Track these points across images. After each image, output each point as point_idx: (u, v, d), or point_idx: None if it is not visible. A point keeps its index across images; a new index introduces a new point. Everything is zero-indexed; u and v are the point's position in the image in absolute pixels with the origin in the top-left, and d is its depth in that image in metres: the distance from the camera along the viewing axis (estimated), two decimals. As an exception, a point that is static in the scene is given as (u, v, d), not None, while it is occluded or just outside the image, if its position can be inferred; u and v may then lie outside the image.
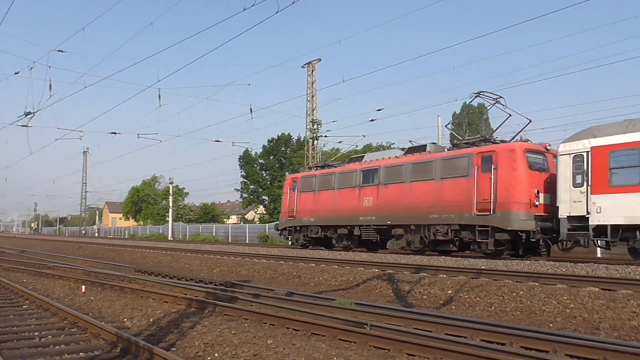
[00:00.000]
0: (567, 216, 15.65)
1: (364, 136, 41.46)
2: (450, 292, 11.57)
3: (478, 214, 17.81)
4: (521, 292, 10.54)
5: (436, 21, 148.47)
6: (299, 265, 17.03)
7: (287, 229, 27.50)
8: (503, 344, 6.68)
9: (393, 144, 51.42)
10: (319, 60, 39.85)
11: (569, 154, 15.90)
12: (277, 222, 30.74)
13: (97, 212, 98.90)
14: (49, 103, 51.10)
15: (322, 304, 9.81)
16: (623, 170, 14.70)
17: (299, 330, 7.77)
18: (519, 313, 9.78)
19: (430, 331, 7.46)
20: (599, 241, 15.46)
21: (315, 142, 39.67)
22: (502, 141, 19.02)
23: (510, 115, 19.90)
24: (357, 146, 39.74)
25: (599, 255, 20.68)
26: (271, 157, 66.29)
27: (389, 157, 22.52)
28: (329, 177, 24.94)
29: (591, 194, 15.09)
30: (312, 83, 39.51)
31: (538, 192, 16.99)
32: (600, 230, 14.89)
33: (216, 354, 6.57)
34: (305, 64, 39.73)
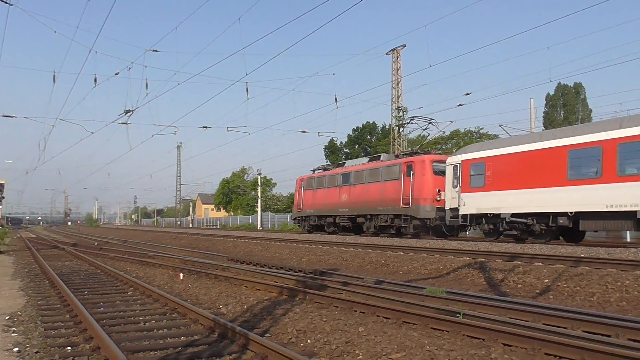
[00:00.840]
0: (450, 208, 21.98)
1: (452, 122, 40.32)
2: (547, 281, 11.07)
3: (403, 206, 24.61)
4: (627, 282, 9.89)
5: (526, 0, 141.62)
6: (387, 254, 16.95)
7: (297, 218, 35.58)
8: (608, 336, 6.30)
9: (482, 128, 49.84)
10: (404, 46, 39.18)
11: (451, 164, 22.22)
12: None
13: (191, 204, 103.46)
14: (145, 101, 54.06)
15: (412, 292, 9.70)
16: (476, 176, 20.83)
17: (389, 319, 7.74)
18: (625, 304, 9.18)
19: (527, 321, 7.18)
20: (468, 225, 21.76)
21: (401, 129, 39.18)
22: (422, 153, 25.95)
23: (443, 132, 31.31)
24: (444, 132, 38.90)
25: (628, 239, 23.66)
26: (356, 146, 66.34)
27: (359, 164, 29.58)
28: (323, 178, 32.20)
29: (461, 192, 21.38)
30: (397, 70, 38.96)
31: (439, 190, 23.25)
32: (465, 218, 21.25)
33: (309, 341, 6.68)
34: (389, 51, 39.22)
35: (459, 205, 21.25)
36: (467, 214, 21.00)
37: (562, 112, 60.59)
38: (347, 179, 29.37)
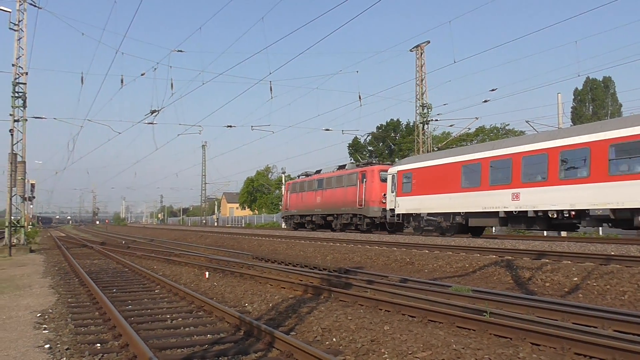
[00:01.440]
0: (389, 209, 27.12)
1: (477, 118, 39.96)
2: (575, 279, 10.88)
3: (358, 207, 30.15)
4: (659, 280, 9.66)
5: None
6: (412, 252, 16.85)
7: (285, 217, 41.58)
8: (640, 335, 6.16)
9: (508, 125, 49.21)
10: (428, 42, 38.76)
11: (391, 174, 27.34)
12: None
13: (216, 203, 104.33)
14: (171, 101, 54.72)
15: (437, 291, 9.64)
16: (406, 184, 25.92)
17: (415, 317, 7.70)
18: (657, 302, 8.97)
19: (556, 320, 7.06)
20: (405, 223, 26.55)
21: (426, 126, 38.88)
22: (373, 163, 32.08)
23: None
24: (469, 129, 38.54)
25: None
26: (380, 144, 66.07)
27: (330, 172, 34.84)
28: (304, 183, 37.62)
29: (396, 196, 26.46)
30: (421, 66, 38.63)
31: (384, 194, 28.09)
32: (399, 216, 26.41)
33: (334, 339, 6.67)
34: (413, 48, 38.87)
35: (395, 207, 26.54)
36: (400, 214, 26.31)
37: (591, 107, 59.49)
38: (321, 184, 34.93)
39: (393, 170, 27.08)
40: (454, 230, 23.53)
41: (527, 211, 19.22)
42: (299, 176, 40.25)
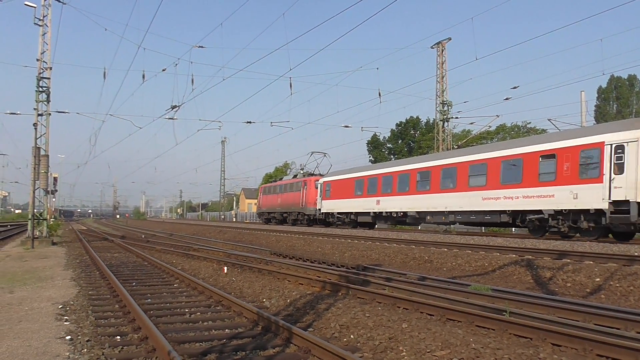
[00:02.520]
0: (318, 208, 36.80)
1: (498, 116, 39.35)
2: (598, 280, 10.72)
3: (301, 207, 39.50)
4: (684, 282, 9.47)
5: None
6: (430, 250, 16.76)
7: (259, 214, 51.59)
8: (664, 338, 6.04)
9: (529, 123, 48.61)
10: (449, 39, 38.41)
11: (319, 183, 36.99)
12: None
13: (235, 198, 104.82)
14: (191, 96, 55.13)
15: (456, 289, 9.56)
16: (327, 191, 35.79)
17: (433, 315, 7.65)
18: (682, 305, 8.80)
19: (577, 321, 6.96)
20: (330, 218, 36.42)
21: (446, 124, 38.59)
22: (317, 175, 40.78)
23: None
24: (490, 127, 38.12)
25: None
26: (399, 141, 65.73)
27: (287, 179, 44.76)
28: (271, 187, 48.01)
29: (322, 200, 36.31)
30: (442, 63, 38.31)
31: (317, 198, 37.18)
32: (323, 214, 36.32)
33: (352, 336, 6.66)
34: (434, 44, 38.53)
35: (320, 207, 36.65)
36: (323, 212, 36.40)
37: (615, 105, 58.47)
38: (281, 189, 44.51)
39: (321, 181, 37.18)
40: (353, 224, 33.60)
41: (382, 212, 29.72)
42: (267, 181, 51.60)
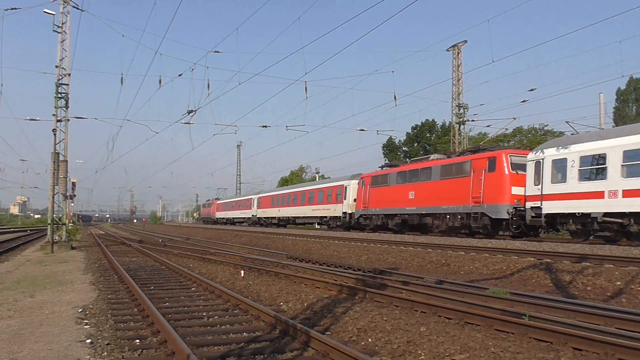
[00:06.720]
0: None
1: (515, 119, 39.10)
2: (619, 283, 10.57)
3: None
4: None
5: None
6: (447, 253, 16.65)
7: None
8: (688, 342, 5.93)
9: (546, 125, 48.08)
10: (465, 42, 38.19)
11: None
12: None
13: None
14: (207, 101, 55.42)
15: (474, 293, 9.49)
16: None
17: (451, 319, 7.60)
18: None
19: (598, 324, 6.87)
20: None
21: (462, 127, 38.37)
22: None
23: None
24: (506, 129, 37.80)
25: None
26: (415, 144, 65.49)
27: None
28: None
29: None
30: (458, 66, 38.10)
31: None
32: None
33: (369, 339, 6.64)
34: (450, 47, 38.33)
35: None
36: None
37: (634, 107, 57.63)
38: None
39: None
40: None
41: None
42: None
